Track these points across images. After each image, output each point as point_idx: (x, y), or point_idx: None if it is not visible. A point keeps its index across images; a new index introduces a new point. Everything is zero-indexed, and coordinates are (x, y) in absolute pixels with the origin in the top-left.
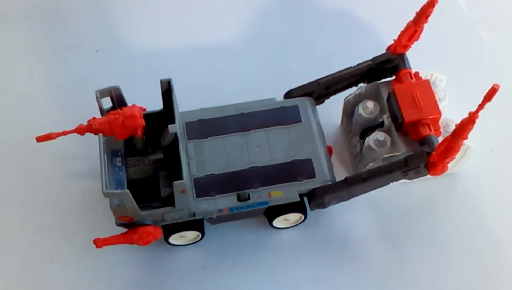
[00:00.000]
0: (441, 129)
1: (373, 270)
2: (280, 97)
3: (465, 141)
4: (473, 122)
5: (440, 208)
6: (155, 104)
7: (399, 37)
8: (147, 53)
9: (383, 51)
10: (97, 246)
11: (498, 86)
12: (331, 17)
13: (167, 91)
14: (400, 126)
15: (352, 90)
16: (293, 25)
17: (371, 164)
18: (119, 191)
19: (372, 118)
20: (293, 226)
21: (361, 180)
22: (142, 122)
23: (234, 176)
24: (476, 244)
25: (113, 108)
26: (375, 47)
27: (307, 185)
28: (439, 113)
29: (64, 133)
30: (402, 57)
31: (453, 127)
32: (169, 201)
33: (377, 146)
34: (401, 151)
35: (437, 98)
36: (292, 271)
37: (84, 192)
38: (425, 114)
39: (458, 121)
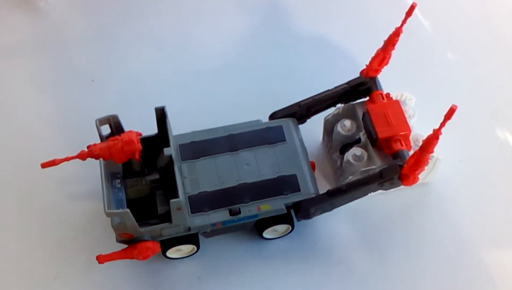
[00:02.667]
0: (412, 144)
1: (357, 274)
2: (265, 118)
3: (434, 154)
4: (437, 138)
5: (415, 215)
6: (149, 127)
7: (370, 62)
8: (140, 80)
9: (357, 74)
10: (99, 262)
11: (456, 106)
12: (311, 42)
13: (161, 117)
14: (374, 142)
15: (331, 110)
16: (275, 50)
17: (350, 177)
18: (120, 210)
19: (350, 135)
20: (282, 236)
21: (342, 192)
22: (139, 146)
23: (225, 192)
24: (449, 247)
25: (111, 134)
26: (351, 70)
27: (292, 198)
28: (408, 129)
29: (67, 159)
30: (374, 80)
31: (422, 141)
32: (166, 217)
33: (355, 161)
34: (377, 164)
35: (407, 116)
36: (282, 278)
37: (85, 212)
38: (396, 130)
39: (426, 137)
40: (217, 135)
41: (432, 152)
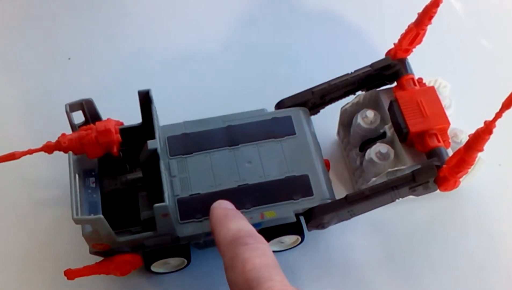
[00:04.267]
0: (449, 139)
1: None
2: (270, 108)
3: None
4: (490, 132)
5: (449, 227)
6: (134, 117)
7: (400, 40)
8: (124, 61)
9: (375, 58)
10: (68, 278)
11: None
12: (320, 21)
13: (145, 102)
14: (404, 137)
15: (349, 99)
16: (280, 30)
17: (373, 179)
18: (91, 217)
19: (373, 128)
20: (289, 248)
21: (364, 198)
22: (117, 137)
23: (222, 195)
24: (488, 267)
25: (86, 122)
26: (367, 53)
27: (304, 204)
28: (447, 122)
29: (30, 152)
30: (403, 62)
31: (462, 137)
32: (150, 225)
33: (379, 159)
34: (407, 164)
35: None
36: None
37: (54, 216)
38: (432, 123)
39: (467, 131)
40: (214, 126)
41: (482, 150)
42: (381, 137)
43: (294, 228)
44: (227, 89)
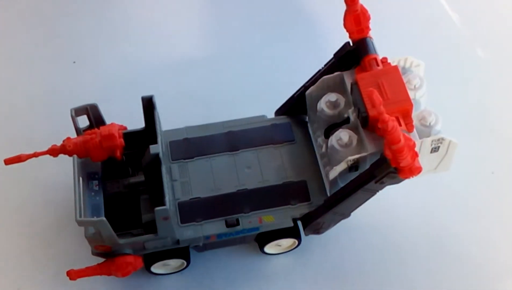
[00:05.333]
0: (417, 123)
1: None
2: (270, 114)
3: (446, 136)
4: (384, 122)
5: (442, 232)
6: (137, 121)
7: (345, 25)
8: (128, 66)
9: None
10: (71, 278)
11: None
12: (322, 27)
13: (148, 108)
14: (365, 122)
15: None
16: (280, 38)
17: (335, 167)
18: (94, 219)
19: (336, 113)
20: (286, 251)
21: (338, 201)
22: (121, 142)
23: (222, 199)
24: (481, 273)
25: (91, 127)
26: None
27: (301, 209)
28: (410, 104)
29: (36, 155)
30: (364, 43)
31: (430, 120)
32: (151, 227)
33: (341, 147)
34: (368, 151)
35: (412, 87)
36: None
37: (56, 217)
38: (393, 106)
39: (435, 114)
40: (214, 131)
41: (397, 142)
42: (346, 122)
43: (291, 232)
44: (228, 95)
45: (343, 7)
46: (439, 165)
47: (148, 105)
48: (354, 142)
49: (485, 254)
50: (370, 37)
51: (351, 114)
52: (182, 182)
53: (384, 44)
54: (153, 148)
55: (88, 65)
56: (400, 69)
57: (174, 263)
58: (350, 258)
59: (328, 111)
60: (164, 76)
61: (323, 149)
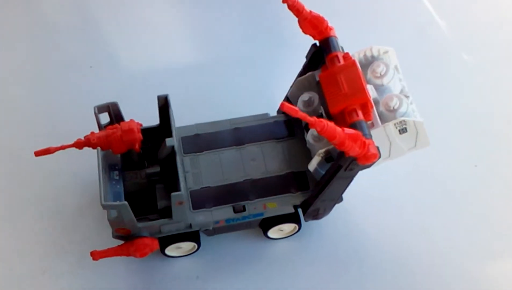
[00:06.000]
0: (382, 109)
1: (368, 274)
2: (273, 112)
3: (409, 118)
4: (316, 125)
5: (428, 219)
6: (149, 119)
7: (304, 32)
8: (141, 69)
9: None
10: (94, 259)
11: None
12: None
13: (163, 106)
14: (329, 117)
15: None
16: (282, 41)
17: (312, 160)
18: (117, 203)
19: (311, 111)
20: (288, 236)
21: (321, 189)
22: (139, 136)
23: (229, 188)
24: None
25: (111, 122)
26: None
27: (300, 197)
28: (366, 97)
29: (63, 147)
30: (326, 42)
31: (393, 104)
32: (166, 213)
33: (314, 141)
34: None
35: (378, 75)
36: (287, 281)
37: (77, 206)
38: (351, 99)
39: (398, 97)
40: (222, 128)
41: (333, 138)
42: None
43: (292, 218)
44: (234, 95)
45: (340, 10)
46: (417, 142)
47: (163, 103)
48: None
49: (470, 238)
50: (335, 36)
51: (323, 111)
52: (194, 173)
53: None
54: (169, 141)
55: (104, 69)
56: (369, 58)
57: (186, 246)
58: (346, 243)
59: (304, 109)
60: (174, 78)
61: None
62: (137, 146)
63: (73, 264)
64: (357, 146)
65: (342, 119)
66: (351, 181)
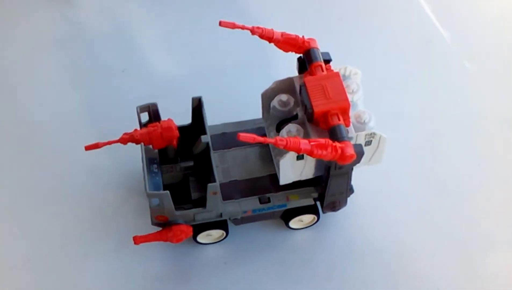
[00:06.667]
0: (354, 120)
1: (381, 266)
2: None
3: (378, 132)
4: (276, 144)
5: (436, 218)
6: (178, 118)
7: (285, 51)
8: (169, 72)
9: (372, 64)
10: (135, 243)
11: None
12: (346, 32)
13: (197, 106)
14: (310, 117)
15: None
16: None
17: (284, 155)
18: (161, 191)
19: (287, 111)
20: (307, 227)
21: (324, 187)
22: (177, 133)
23: (255, 182)
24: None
25: (149, 121)
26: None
27: (319, 190)
28: (347, 103)
29: (110, 142)
30: (309, 54)
31: (364, 118)
32: (199, 203)
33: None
34: None
35: (350, 91)
36: (306, 268)
37: (114, 198)
38: (334, 104)
39: (369, 113)
40: (247, 127)
41: (299, 151)
42: (294, 118)
43: (312, 209)
44: (257, 97)
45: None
46: (372, 158)
47: (197, 104)
48: (301, 134)
49: (471, 229)
50: (316, 48)
51: (299, 111)
52: (223, 168)
53: (385, 59)
54: (204, 138)
55: (135, 73)
56: (343, 75)
57: (216, 233)
58: (361, 235)
59: (280, 108)
60: (201, 81)
61: None
62: (174, 142)
63: (111, 250)
64: (328, 152)
65: (323, 120)
66: (348, 176)
